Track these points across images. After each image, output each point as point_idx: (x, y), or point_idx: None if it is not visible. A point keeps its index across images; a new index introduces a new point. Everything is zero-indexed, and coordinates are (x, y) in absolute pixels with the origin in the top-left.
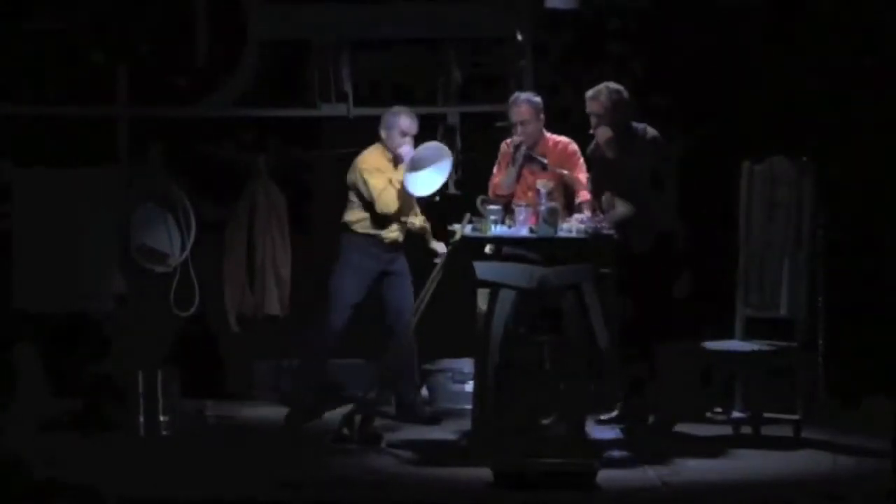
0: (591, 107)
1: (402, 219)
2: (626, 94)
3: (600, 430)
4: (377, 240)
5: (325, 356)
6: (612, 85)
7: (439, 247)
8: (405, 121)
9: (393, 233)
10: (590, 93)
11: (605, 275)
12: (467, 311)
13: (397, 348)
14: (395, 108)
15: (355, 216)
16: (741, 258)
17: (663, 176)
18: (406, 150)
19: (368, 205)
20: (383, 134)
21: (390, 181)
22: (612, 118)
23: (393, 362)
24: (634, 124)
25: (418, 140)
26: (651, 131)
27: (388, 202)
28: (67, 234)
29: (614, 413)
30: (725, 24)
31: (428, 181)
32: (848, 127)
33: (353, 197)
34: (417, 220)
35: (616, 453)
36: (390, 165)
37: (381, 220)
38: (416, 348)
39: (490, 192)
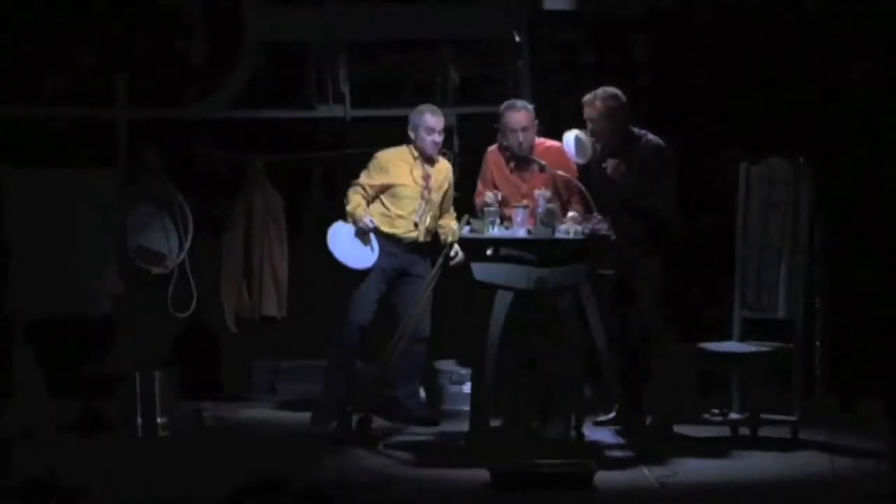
0: (586, 111)
1: (416, 219)
2: (623, 98)
3: (598, 432)
4: (394, 239)
5: (352, 355)
6: (609, 89)
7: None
8: (428, 117)
9: (411, 233)
10: (586, 97)
11: (604, 276)
12: (464, 313)
13: (397, 347)
14: (420, 107)
15: (372, 213)
16: (738, 259)
17: (661, 182)
18: (367, 221)
19: (384, 202)
20: (411, 134)
21: (411, 172)
22: (605, 123)
23: (394, 363)
24: (636, 130)
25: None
26: (652, 138)
27: (350, 201)
28: (64, 236)
29: (612, 414)
30: (724, 25)
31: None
32: (846, 127)
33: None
34: (447, 223)
35: (614, 454)
36: (415, 163)
37: (394, 218)
38: (422, 350)
39: (478, 203)
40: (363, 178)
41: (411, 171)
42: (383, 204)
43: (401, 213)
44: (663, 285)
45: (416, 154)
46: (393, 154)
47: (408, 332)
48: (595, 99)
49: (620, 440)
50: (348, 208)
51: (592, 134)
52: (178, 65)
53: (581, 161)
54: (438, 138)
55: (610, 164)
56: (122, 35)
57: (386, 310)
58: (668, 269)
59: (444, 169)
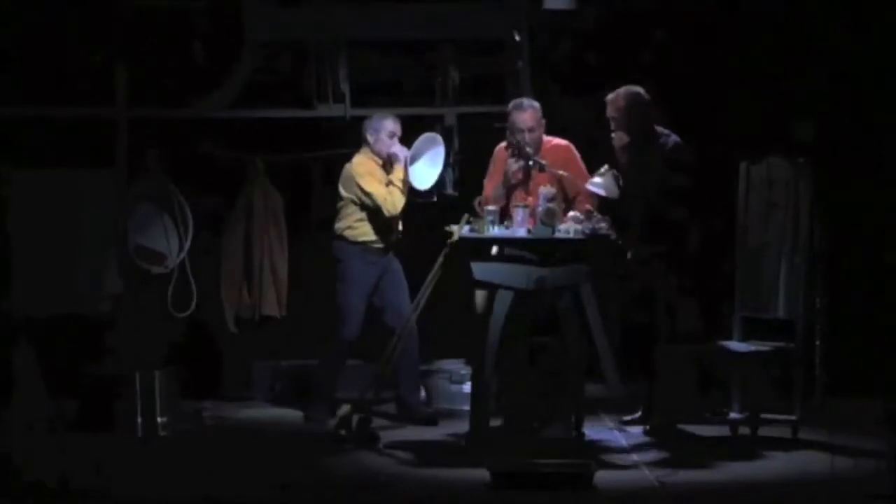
0: (609, 110)
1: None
2: (645, 96)
3: (625, 432)
4: (374, 247)
5: (343, 361)
6: (632, 88)
7: None
8: (390, 123)
9: (391, 236)
10: (609, 96)
11: (607, 275)
12: (465, 312)
13: (397, 347)
14: (378, 113)
15: (351, 224)
16: (738, 259)
17: (679, 183)
18: (398, 148)
19: (368, 211)
20: (370, 139)
21: (391, 183)
22: (629, 121)
23: (394, 361)
24: (659, 129)
25: (409, 142)
26: (673, 138)
27: (395, 204)
28: (64, 236)
29: (638, 414)
30: (724, 24)
31: (426, 172)
32: (846, 127)
33: (346, 205)
34: None
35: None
36: (381, 170)
37: (380, 225)
38: (416, 347)
39: (483, 197)
40: (380, 186)
41: (381, 177)
42: (369, 212)
43: (395, 214)
44: (672, 285)
45: (378, 161)
46: (365, 163)
47: (405, 334)
48: (618, 98)
49: (647, 439)
50: (382, 198)
51: (616, 129)
52: (178, 64)
53: (615, 196)
54: (398, 144)
55: (616, 137)
56: (122, 35)
57: (375, 309)
58: (672, 270)
59: (399, 170)
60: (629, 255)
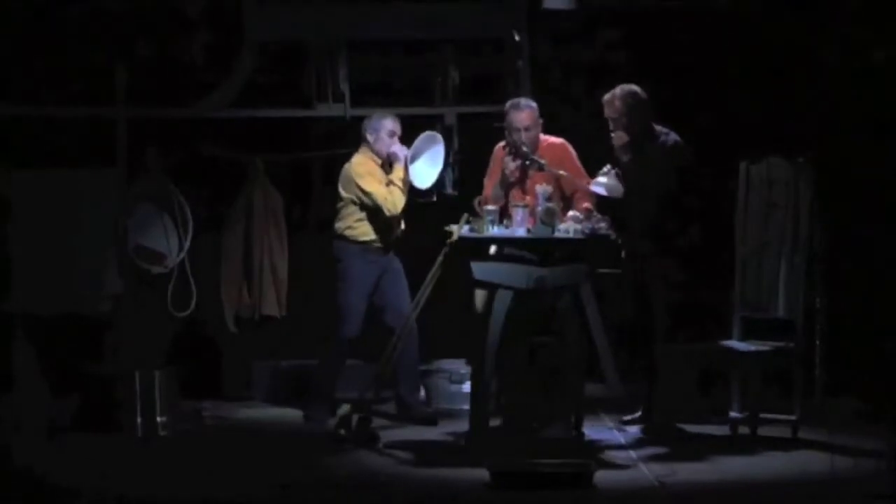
0: (607, 111)
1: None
2: (642, 94)
3: (625, 431)
4: (374, 246)
5: (343, 360)
6: (627, 87)
7: None
8: (390, 122)
9: (392, 235)
10: (605, 97)
11: (605, 275)
12: (464, 312)
13: (397, 347)
14: (377, 113)
15: (351, 223)
16: (738, 259)
17: (681, 182)
18: (398, 147)
19: (368, 211)
20: (370, 138)
21: (391, 182)
22: (627, 121)
23: (394, 361)
24: (658, 128)
25: (409, 142)
26: (673, 136)
27: (395, 203)
28: (65, 236)
29: (638, 414)
30: (724, 24)
31: (426, 171)
32: (846, 127)
33: (346, 205)
34: None
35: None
36: (380, 169)
37: (380, 225)
38: (416, 347)
39: (483, 198)
40: (380, 186)
41: (381, 177)
42: (369, 212)
43: (396, 214)
44: (668, 285)
45: (377, 160)
46: (364, 163)
47: (405, 333)
48: (614, 98)
49: (646, 438)
50: (382, 198)
51: (615, 128)
52: (178, 64)
53: (619, 196)
54: (398, 143)
55: (616, 137)
56: (122, 34)
57: (375, 308)
58: (674, 269)
59: (399, 169)
60: (622, 254)
